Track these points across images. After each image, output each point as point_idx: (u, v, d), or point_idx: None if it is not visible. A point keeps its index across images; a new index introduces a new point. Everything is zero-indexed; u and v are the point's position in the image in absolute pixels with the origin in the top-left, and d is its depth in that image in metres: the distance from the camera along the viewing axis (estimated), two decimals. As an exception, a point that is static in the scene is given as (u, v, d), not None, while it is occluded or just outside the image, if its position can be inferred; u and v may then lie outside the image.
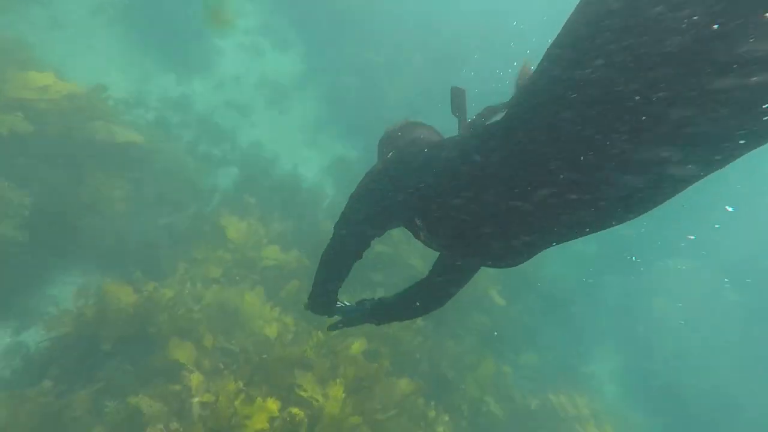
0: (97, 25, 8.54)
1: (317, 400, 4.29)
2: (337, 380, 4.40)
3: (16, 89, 5.25)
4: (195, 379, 3.92)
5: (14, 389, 3.24)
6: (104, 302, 4.27)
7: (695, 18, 0.88)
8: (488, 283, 6.80)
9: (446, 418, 4.39)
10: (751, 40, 0.85)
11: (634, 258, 10.59)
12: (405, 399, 4.61)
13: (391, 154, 1.89)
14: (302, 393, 4.28)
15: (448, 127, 1.88)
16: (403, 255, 7.17)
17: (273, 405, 3.98)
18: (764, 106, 0.89)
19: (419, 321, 6.62)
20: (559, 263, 8.69)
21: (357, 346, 5.29)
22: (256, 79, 10.16)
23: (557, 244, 1.46)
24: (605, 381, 8.99)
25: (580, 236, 1.39)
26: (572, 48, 1.10)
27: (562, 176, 1.18)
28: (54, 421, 3.16)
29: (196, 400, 3.80)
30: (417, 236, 1.74)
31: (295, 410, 4.01)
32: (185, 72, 9.20)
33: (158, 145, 7.10)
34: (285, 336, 5.31)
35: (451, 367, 5.37)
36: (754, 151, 1.02)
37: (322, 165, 9.36)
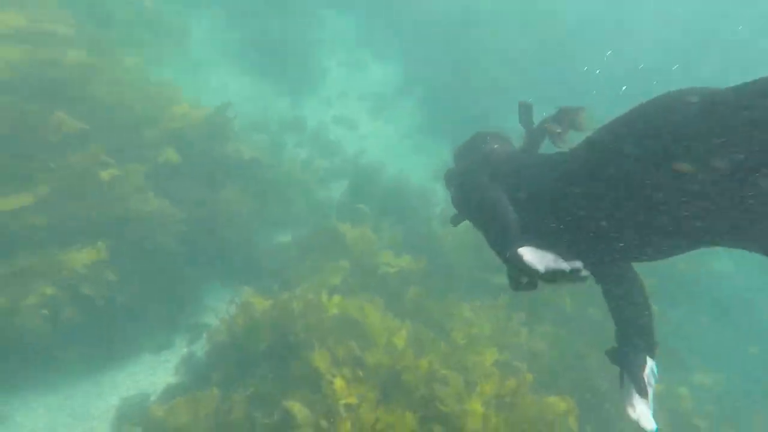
0: (222, 62, 9.56)
1: (457, 417, 4.02)
2: (473, 394, 4.09)
3: (166, 122, 5.98)
4: (338, 382, 3.92)
5: (191, 394, 3.51)
6: (249, 312, 4.52)
7: None
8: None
9: (611, 446, 3.78)
10: None
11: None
12: (555, 419, 4.11)
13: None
14: (442, 407, 4.05)
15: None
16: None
17: (412, 420, 3.84)
18: None
19: (549, 328, 5.97)
20: (724, 259, 7.19)
21: (489, 356, 4.93)
22: (359, 91, 10.45)
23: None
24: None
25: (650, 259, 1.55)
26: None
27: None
28: (222, 424, 3.34)
29: (342, 401, 3.79)
30: None
31: (437, 428, 3.81)
32: (297, 93, 9.84)
33: (279, 162, 7.57)
34: (412, 346, 5.13)
35: (603, 380, 4.68)
36: None
37: (429, 170, 9.21)
